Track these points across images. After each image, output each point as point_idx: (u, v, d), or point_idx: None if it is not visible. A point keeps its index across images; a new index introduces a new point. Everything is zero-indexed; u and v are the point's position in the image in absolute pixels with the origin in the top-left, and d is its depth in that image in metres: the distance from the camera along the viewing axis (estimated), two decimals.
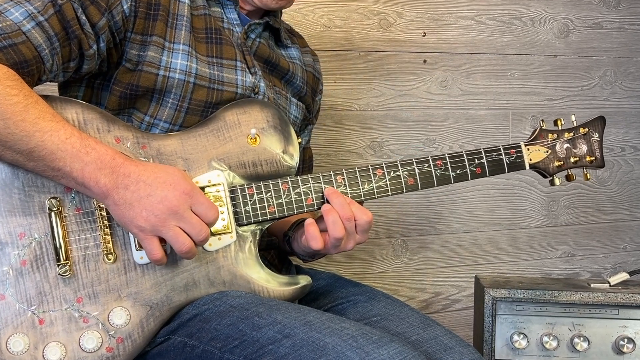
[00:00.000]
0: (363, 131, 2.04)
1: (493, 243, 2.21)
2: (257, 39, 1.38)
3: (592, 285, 1.68)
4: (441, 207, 2.14)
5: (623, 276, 1.68)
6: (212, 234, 1.18)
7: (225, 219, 1.19)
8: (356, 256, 2.07)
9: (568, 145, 1.35)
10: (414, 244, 2.13)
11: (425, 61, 2.09)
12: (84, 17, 1.14)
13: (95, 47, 1.16)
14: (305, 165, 1.57)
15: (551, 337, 1.62)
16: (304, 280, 1.26)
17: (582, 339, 1.62)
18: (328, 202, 1.22)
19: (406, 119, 2.08)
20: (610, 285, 1.67)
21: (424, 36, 2.08)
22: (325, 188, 1.24)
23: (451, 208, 2.16)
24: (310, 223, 1.21)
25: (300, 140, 1.35)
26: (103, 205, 1.13)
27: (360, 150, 2.04)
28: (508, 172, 1.31)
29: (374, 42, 2.03)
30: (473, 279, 1.82)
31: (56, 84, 1.28)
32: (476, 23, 2.14)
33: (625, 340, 1.61)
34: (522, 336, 1.63)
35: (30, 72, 1.08)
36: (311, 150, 1.60)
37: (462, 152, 1.30)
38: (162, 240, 1.10)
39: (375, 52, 2.04)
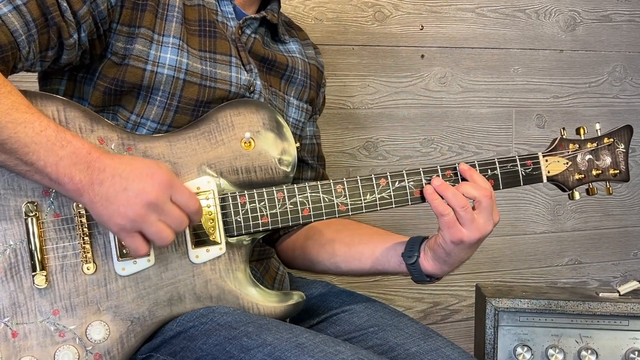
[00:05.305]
0: (357, 130, 2.05)
1: (495, 250, 2.22)
2: (253, 35, 1.37)
3: (600, 294, 1.69)
4: None
5: (633, 285, 1.69)
6: (200, 245, 1.17)
7: (214, 228, 1.18)
8: None
9: (590, 156, 1.32)
10: None
11: (423, 56, 2.10)
12: (65, 4, 1.13)
13: (75, 36, 1.15)
14: (320, 163, 1.55)
15: (557, 350, 1.63)
16: (296, 296, 1.26)
17: (590, 351, 1.63)
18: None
19: (403, 118, 2.09)
20: (619, 295, 1.68)
21: (421, 29, 2.09)
22: (425, 183, 1.25)
23: None
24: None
25: (298, 144, 1.33)
26: (83, 212, 1.12)
27: (353, 151, 2.05)
28: (524, 185, 1.29)
29: (368, 36, 2.04)
30: (474, 288, 1.83)
31: (36, 75, 1.27)
32: (477, 15, 2.14)
33: (636, 353, 1.62)
34: (526, 349, 1.64)
35: (5, 58, 1.08)
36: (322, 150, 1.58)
37: (474, 162, 1.27)
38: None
39: (369, 46, 2.04)
